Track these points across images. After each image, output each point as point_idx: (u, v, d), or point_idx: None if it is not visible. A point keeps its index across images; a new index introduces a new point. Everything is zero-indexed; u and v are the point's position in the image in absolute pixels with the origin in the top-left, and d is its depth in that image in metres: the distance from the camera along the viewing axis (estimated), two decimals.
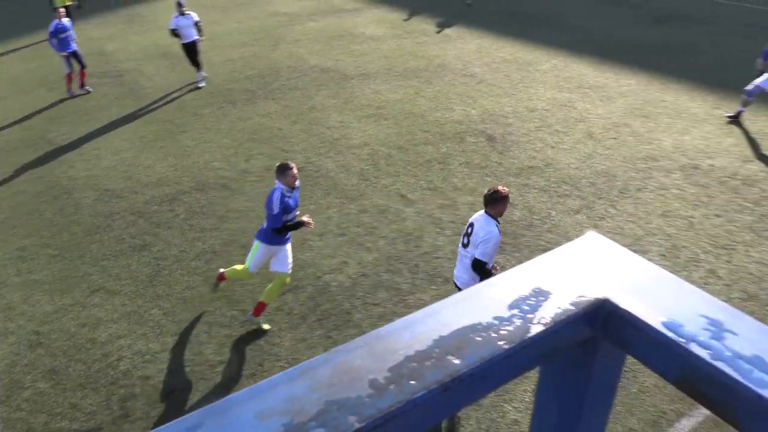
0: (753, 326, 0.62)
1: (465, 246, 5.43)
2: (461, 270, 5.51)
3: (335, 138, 10.63)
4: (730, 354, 0.58)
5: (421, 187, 8.96)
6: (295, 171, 6.06)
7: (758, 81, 10.54)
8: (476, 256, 5.22)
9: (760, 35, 16.95)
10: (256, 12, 19.66)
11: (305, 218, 6.30)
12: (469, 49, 15.77)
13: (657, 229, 7.83)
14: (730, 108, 11.53)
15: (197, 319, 6.76)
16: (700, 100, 12.03)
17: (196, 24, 12.86)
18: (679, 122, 11.02)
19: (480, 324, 0.61)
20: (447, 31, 17.66)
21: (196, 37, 12.90)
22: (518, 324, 0.62)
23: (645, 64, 14.32)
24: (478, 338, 0.59)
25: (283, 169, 6.03)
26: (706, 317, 0.63)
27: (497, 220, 5.30)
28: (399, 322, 0.61)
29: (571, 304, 0.65)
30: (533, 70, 13.99)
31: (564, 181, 9.01)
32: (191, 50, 12.91)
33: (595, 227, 7.88)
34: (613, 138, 10.40)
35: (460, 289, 4.44)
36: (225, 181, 9.42)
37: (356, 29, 17.78)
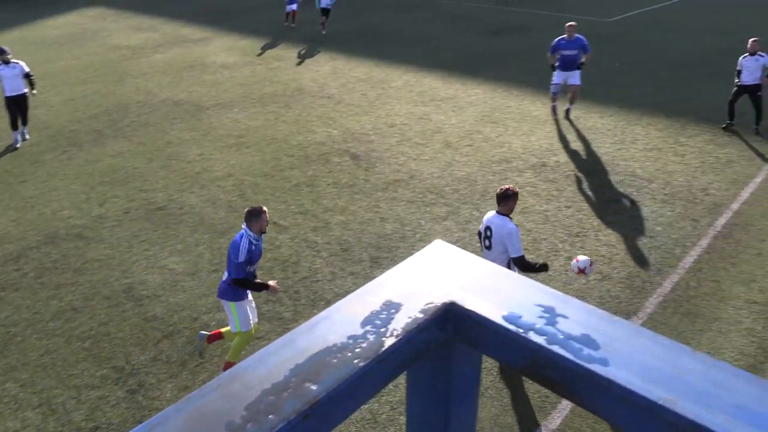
0: (580, 308, 0.69)
1: (488, 248, 5.95)
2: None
3: (197, 172, 10.26)
4: (562, 337, 0.64)
5: (293, 212, 8.89)
6: (267, 215, 5.69)
7: (554, 79, 12.02)
8: (513, 256, 5.75)
9: None
10: (94, 47, 18.52)
11: (271, 282, 5.88)
12: (324, 71, 15.99)
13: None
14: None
15: (62, 385, 6.15)
16: (539, 104, 13.13)
17: (27, 76, 11.30)
18: (525, 125, 11.95)
19: (335, 345, 0.62)
20: (300, 54, 17.79)
21: (25, 91, 11.34)
22: (372, 340, 0.63)
23: (488, 74, 15.38)
24: (334, 360, 0.60)
25: (256, 213, 5.61)
26: (541, 306, 0.69)
27: (510, 217, 5.89)
28: (252, 358, 0.60)
29: (421, 312, 0.68)
30: (388, 87, 14.49)
31: (429, 191, 9.39)
32: (18, 105, 11.26)
33: (463, 231, 8.29)
34: (469, 145, 11.03)
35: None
36: (78, 230, 8.71)
37: (207, 58, 17.35)
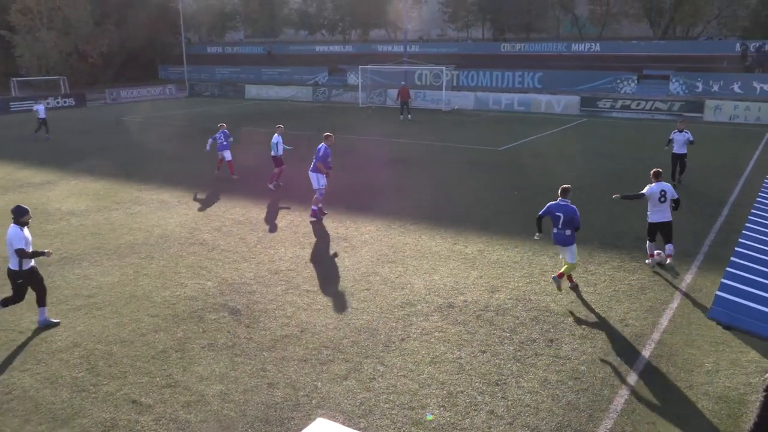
0: None
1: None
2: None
3: (33, 344, 9.34)
4: None
5: (158, 386, 8.19)
6: None
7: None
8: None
9: (472, 168, 20.27)
10: None
11: None
12: (194, 213, 15.81)
13: (430, 378, 8.23)
14: (469, 242, 13.25)
15: None
16: (439, 239, 13.61)
17: None
18: (426, 263, 12.23)
19: None
20: (164, 196, 17.57)
21: None
22: None
23: (381, 209, 15.89)
24: None
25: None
26: None
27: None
28: None
29: None
30: (269, 229, 14.48)
31: (325, 346, 9.10)
32: None
33: (368, 390, 7.98)
34: (366, 289, 11.02)
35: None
36: None
37: (50, 205, 16.67)
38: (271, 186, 18.38)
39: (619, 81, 40.97)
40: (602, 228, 14.19)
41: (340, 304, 10.46)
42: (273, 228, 14.61)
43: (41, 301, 9.91)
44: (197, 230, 14.45)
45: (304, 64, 56.26)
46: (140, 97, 49.42)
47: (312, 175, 15.15)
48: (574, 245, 10.64)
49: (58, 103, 43.76)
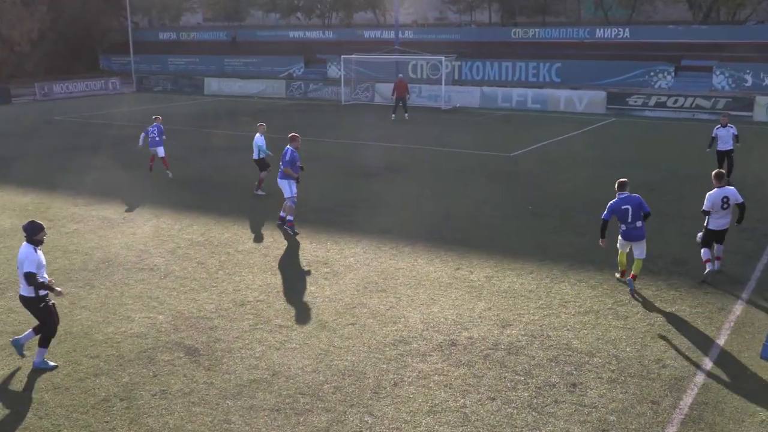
0: None
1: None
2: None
3: None
4: None
5: None
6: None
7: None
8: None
9: (477, 178, 20.46)
10: None
11: None
12: (144, 233, 15.80)
13: (427, 429, 8.25)
14: (474, 267, 13.33)
15: None
16: (438, 263, 13.68)
17: None
18: (422, 292, 12.28)
19: None
20: (107, 211, 17.57)
21: None
22: None
23: (368, 227, 15.95)
24: None
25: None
26: None
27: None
28: None
29: None
30: (234, 252, 14.50)
31: (301, 392, 9.11)
32: None
33: None
34: (351, 324, 11.04)
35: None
36: None
37: None
38: (258, 192, 19.48)
39: (652, 73, 41.49)
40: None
41: (319, 341, 10.47)
42: (238, 250, 14.62)
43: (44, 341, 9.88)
44: (147, 253, 14.43)
45: (275, 53, 56.56)
46: (77, 93, 49.48)
47: (281, 182, 15.87)
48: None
49: None
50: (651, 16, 52.62)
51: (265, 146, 18.99)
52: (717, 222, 12.59)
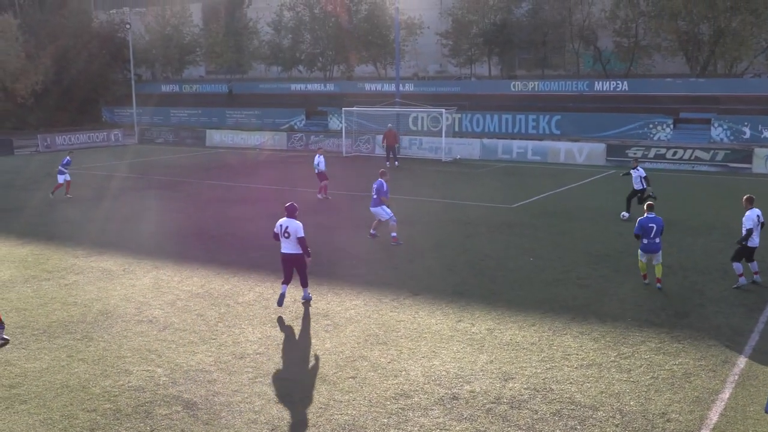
0: None
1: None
2: (653, 245, 14.72)
3: None
4: None
5: None
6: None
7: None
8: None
9: (479, 230, 20.49)
10: None
11: None
12: (143, 284, 15.79)
13: None
14: (475, 319, 13.29)
15: None
16: (440, 315, 13.63)
17: None
18: (424, 344, 12.21)
19: None
20: (107, 263, 17.58)
21: None
22: None
23: (368, 278, 15.93)
24: None
25: None
26: None
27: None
28: None
29: None
30: (234, 304, 14.46)
31: None
32: None
33: None
34: (352, 377, 10.96)
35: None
36: None
37: None
38: (319, 196, 26.75)
39: (651, 126, 41.87)
40: (635, 302, 14.29)
41: (319, 395, 10.38)
42: (238, 302, 14.59)
43: None
44: (146, 305, 14.40)
45: (277, 106, 57.18)
46: (79, 144, 49.85)
47: (377, 210, 19.67)
48: None
49: None
50: (649, 69, 53.19)
51: (323, 164, 26.91)
52: (756, 239, 14.87)
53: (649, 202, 15.26)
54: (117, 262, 17.74)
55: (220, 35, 64.80)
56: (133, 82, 58.04)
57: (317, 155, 27.33)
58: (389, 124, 39.67)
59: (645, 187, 22.68)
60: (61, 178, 27.78)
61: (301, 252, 13.89)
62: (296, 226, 13.74)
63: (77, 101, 62.81)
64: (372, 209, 19.86)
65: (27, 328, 13.12)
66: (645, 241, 14.79)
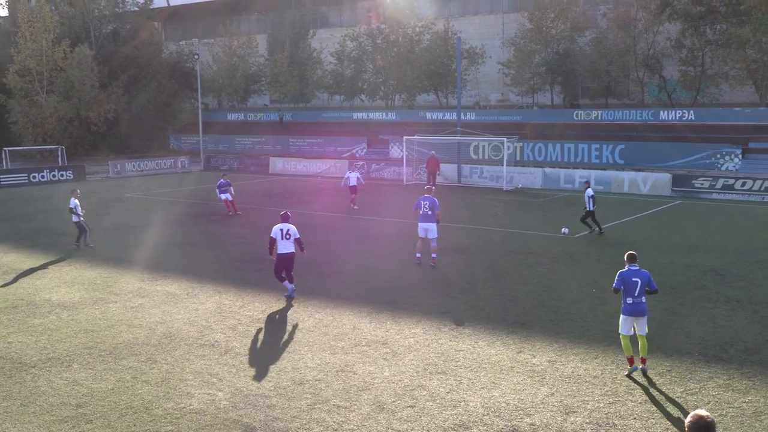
0: None
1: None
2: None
3: None
4: None
5: None
6: None
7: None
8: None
9: (540, 260, 20.20)
10: None
11: None
12: (206, 309, 16.01)
13: None
14: (536, 350, 13.07)
15: None
16: (500, 345, 13.45)
17: None
18: (483, 375, 12.05)
19: None
20: (172, 287, 17.89)
21: None
22: None
23: (428, 308, 15.85)
24: None
25: None
26: None
27: None
28: None
29: None
30: (294, 330, 14.54)
31: None
32: None
33: None
34: (410, 406, 10.87)
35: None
36: None
37: (38, 295, 17.10)
38: (354, 206, 30.89)
39: (719, 156, 40.85)
40: (702, 337, 13.86)
41: (377, 424, 10.32)
42: (298, 328, 14.66)
43: None
44: (208, 329, 14.58)
45: (339, 134, 57.79)
46: (148, 171, 51.22)
47: (433, 226, 19.95)
48: None
49: (53, 176, 45.64)
50: (716, 98, 52.06)
51: (351, 180, 31.60)
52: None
53: (631, 252, 12.88)
54: (181, 286, 18.05)
55: (285, 65, 65.95)
56: (200, 110, 59.49)
57: (349, 171, 31.99)
58: (432, 152, 41.32)
59: (592, 208, 24.90)
60: (223, 196, 30.83)
61: (294, 251, 16.72)
62: (294, 229, 16.85)
63: (146, 128, 64.71)
64: (426, 225, 20.05)
65: (94, 349, 13.42)
66: (629, 300, 12.17)
